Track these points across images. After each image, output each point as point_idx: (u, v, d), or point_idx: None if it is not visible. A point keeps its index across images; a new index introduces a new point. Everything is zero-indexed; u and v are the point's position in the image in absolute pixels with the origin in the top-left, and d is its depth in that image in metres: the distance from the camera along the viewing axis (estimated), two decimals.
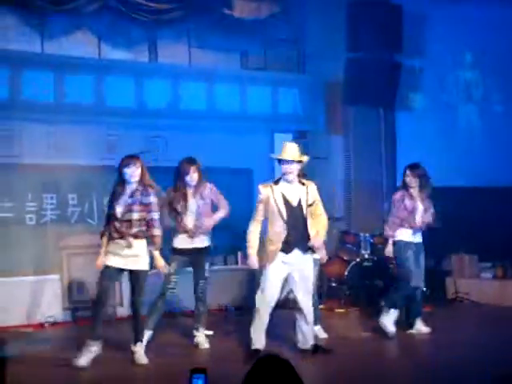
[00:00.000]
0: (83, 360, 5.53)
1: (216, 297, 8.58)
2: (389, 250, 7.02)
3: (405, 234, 6.95)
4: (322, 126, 10.14)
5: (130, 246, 5.65)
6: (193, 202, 6.32)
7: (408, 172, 7.04)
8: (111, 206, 5.77)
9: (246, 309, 7.40)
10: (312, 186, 5.89)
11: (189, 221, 6.29)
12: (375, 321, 6.93)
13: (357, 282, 8.49)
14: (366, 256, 8.96)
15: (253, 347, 5.79)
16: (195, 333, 6.42)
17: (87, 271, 7.36)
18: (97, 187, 8.13)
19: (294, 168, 5.76)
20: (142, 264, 5.73)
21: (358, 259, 8.84)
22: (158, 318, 6.30)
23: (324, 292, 8.85)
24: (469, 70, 11.06)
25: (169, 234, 6.31)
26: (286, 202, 5.75)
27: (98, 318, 5.69)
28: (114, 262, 5.68)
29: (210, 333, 6.64)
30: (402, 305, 6.94)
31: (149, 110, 8.86)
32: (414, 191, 7.01)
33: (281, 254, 5.74)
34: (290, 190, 5.79)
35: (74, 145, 8.38)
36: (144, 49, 9.17)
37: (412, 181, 7.00)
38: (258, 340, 5.80)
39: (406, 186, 7.05)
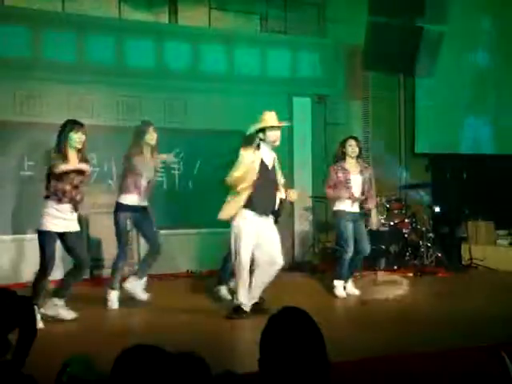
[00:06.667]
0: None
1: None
2: None
3: (343, 204, 7.09)
4: (342, 90, 10.11)
5: (75, 210, 5.82)
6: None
7: (353, 142, 7.14)
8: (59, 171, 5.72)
9: None
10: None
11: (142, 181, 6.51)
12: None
13: (372, 246, 8.53)
14: (382, 221, 8.98)
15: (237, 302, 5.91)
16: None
17: (105, 230, 7.45)
18: (116, 148, 8.15)
19: (280, 134, 5.93)
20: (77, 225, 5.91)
21: None
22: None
23: None
24: (490, 36, 10.92)
25: None
26: (264, 166, 5.93)
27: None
28: (56, 227, 5.76)
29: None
30: (348, 271, 7.17)
31: (168, 71, 8.89)
32: (351, 163, 7.09)
33: (251, 214, 5.86)
34: (268, 155, 5.99)
35: (93, 105, 8.47)
36: (164, 10, 9.19)
37: (355, 150, 7.11)
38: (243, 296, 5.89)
39: (342, 158, 7.16)
